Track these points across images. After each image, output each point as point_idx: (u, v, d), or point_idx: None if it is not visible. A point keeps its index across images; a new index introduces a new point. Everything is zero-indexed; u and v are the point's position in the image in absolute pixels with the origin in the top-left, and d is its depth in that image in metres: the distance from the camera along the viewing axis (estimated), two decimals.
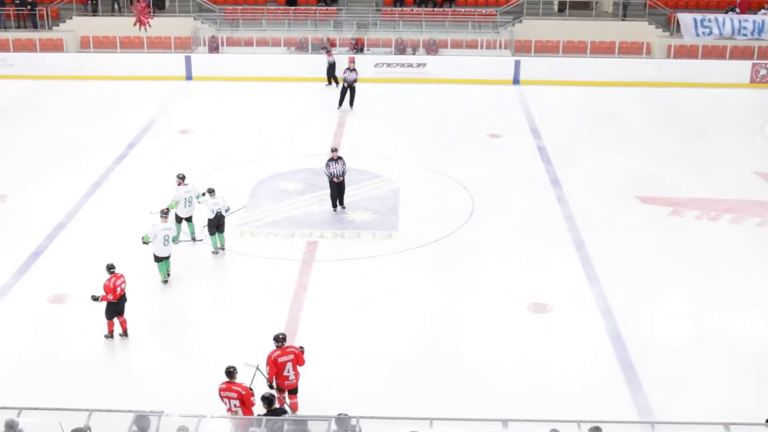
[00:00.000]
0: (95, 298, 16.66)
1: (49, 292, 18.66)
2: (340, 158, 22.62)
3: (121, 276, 16.78)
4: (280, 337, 14.62)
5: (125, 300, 16.89)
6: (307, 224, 22.15)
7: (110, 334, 16.95)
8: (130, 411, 12.07)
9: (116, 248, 20.42)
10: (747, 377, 15.92)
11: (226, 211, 20.55)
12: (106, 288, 16.55)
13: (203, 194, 20.79)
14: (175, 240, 19.17)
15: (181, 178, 21.01)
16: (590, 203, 23.46)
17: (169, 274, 19.30)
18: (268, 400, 13.13)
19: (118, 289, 16.63)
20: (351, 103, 31.70)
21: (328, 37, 37.93)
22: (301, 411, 14.63)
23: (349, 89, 31.65)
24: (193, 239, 21.17)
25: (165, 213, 19.24)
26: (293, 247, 20.96)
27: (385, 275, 19.69)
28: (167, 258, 19.09)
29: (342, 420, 11.93)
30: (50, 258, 20.47)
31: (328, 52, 35.76)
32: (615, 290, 18.83)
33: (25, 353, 16.67)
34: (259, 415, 13.23)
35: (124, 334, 17.03)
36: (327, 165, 22.69)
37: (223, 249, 20.71)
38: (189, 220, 21.12)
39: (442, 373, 16.00)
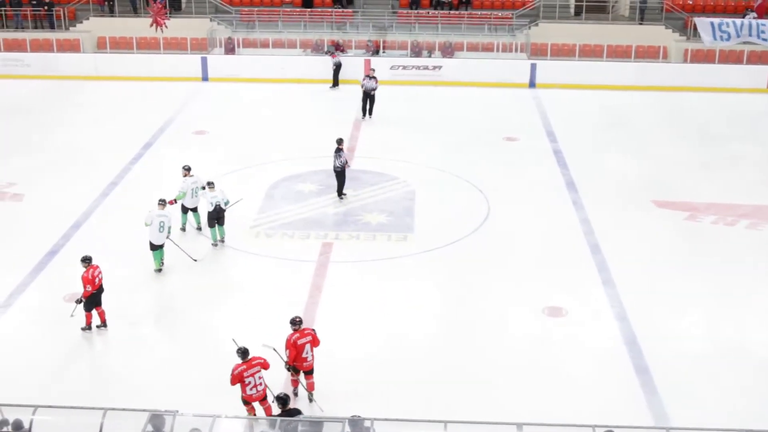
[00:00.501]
0: (80, 301, 16.88)
1: (64, 291, 18.69)
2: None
3: (98, 267, 17.06)
4: (297, 320, 14.95)
5: (103, 290, 17.16)
6: (323, 226, 22.16)
7: (88, 327, 17.19)
8: (144, 410, 12.10)
9: (131, 248, 20.51)
10: (763, 383, 15.82)
11: (226, 204, 20.79)
12: (85, 280, 16.81)
13: (203, 187, 21.06)
14: (169, 231, 19.72)
15: (187, 170, 21.46)
16: (606, 207, 23.39)
17: (162, 263, 19.76)
18: (282, 400, 13.14)
19: (97, 279, 16.94)
20: (370, 111, 30.97)
21: (337, 39, 37.95)
22: (315, 412, 14.63)
23: (368, 97, 30.97)
24: (199, 229, 21.60)
25: (162, 201, 19.74)
26: (309, 248, 20.97)
27: (400, 277, 19.67)
28: (162, 247, 19.57)
29: (355, 422, 11.93)
30: (66, 257, 20.52)
31: (332, 54, 35.76)
32: (630, 294, 18.75)
33: (40, 351, 16.71)
34: (273, 415, 13.24)
35: (103, 324, 17.28)
36: (338, 155, 23.30)
37: (222, 241, 21.05)
38: (195, 210, 21.54)
39: (456, 376, 15.96)
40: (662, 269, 20.05)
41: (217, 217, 20.71)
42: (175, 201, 20.88)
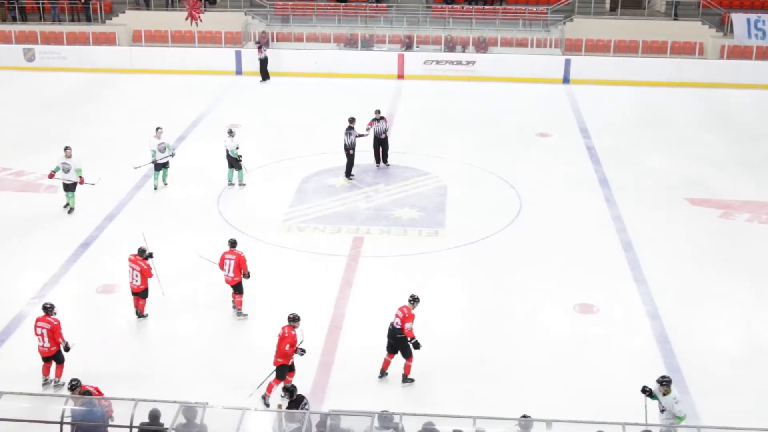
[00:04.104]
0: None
1: (97, 283, 18.88)
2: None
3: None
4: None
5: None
6: (354, 220, 22.19)
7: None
8: (176, 402, 12.18)
9: (164, 240, 20.64)
10: None
11: (232, 153, 23.77)
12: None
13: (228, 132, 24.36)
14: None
15: (66, 149, 22.59)
16: (639, 204, 23.23)
17: (166, 183, 24.16)
18: (289, 391, 13.35)
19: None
20: (384, 157, 25.92)
21: (262, 32, 38.19)
22: (345, 407, 14.63)
23: (380, 143, 25.76)
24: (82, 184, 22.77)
25: (159, 128, 23.97)
26: (340, 242, 21.00)
27: (431, 273, 19.63)
28: (163, 167, 23.90)
29: (385, 417, 11.95)
30: (99, 249, 20.71)
31: (260, 48, 35.78)
32: (662, 293, 18.63)
33: (73, 342, 16.85)
34: (287, 409, 13.28)
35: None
36: (348, 133, 24.33)
37: (242, 185, 24.17)
38: (70, 189, 22.51)
39: (486, 372, 15.94)
40: (695, 267, 19.92)
41: (229, 162, 23.92)
42: (54, 175, 22.40)
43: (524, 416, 12.60)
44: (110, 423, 12.60)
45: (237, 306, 17.76)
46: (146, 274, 17.28)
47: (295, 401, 13.28)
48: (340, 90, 34.48)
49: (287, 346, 14.69)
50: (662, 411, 13.50)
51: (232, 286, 17.66)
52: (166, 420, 12.04)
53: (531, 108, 32.38)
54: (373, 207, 22.98)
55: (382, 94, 33.19)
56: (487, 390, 15.40)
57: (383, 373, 15.76)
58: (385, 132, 25.59)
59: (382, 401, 13.82)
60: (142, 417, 12.18)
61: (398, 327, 15.39)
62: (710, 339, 17.07)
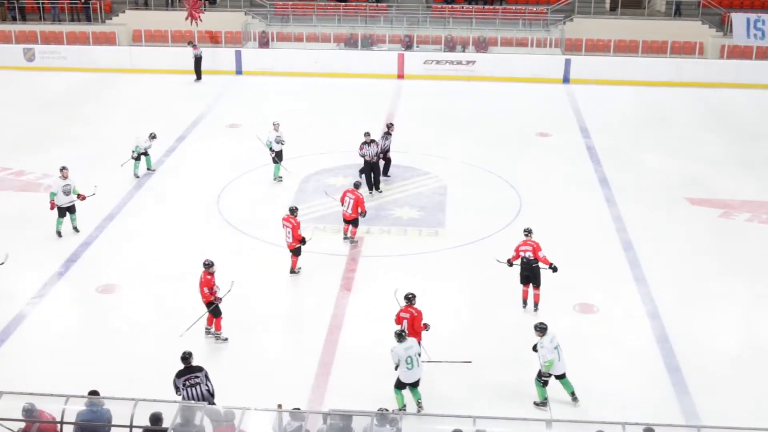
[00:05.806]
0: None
1: (97, 282, 18.87)
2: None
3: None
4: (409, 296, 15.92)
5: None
6: (354, 220, 22.14)
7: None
8: (175, 401, 12.17)
9: (165, 240, 20.64)
10: None
11: (267, 144, 24.33)
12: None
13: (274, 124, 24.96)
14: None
15: (62, 169, 21.22)
16: (639, 204, 23.23)
17: (154, 170, 25.17)
18: (185, 358, 13.76)
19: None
20: (377, 184, 24.22)
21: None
22: (343, 406, 14.63)
23: (371, 168, 24.05)
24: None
25: (153, 136, 24.86)
26: (340, 242, 20.98)
27: (431, 272, 19.62)
28: (143, 155, 24.88)
29: (383, 415, 11.95)
30: (99, 249, 20.70)
31: (194, 46, 35.87)
32: (663, 292, 18.62)
33: (72, 342, 16.88)
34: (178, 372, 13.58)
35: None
36: (361, 146, 23.72)
37: (278, 180, 24.60)
38: (72, 210, 21.21)
39: (485, 372, 15.91)
40: (695, 267, 19.91)
41: (274, 155, 24.48)
42: (53, 201, 20.91)
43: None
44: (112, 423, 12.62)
45: (351, 235, 20.80)
46: (296, 230, 18.88)
47: (189, 369, 13.61)
48: (340, 90, 34.50)
49: (422, 323, 15.51)
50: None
51: (349, 221, 20.52)
52: (165, 421, 12.02)
53: (531, 108, 32.38)
54: (373, 206, 22.95)
55: (382, 94, 33.16)
56: (487, 390, 15.38)
57: (525, 303, 17.90)
58: (376, 155, 23.90)
59: (382, 401, 13.81)
60: (142, 417, 12.16)
61: (532, 258, 17.38)
62: (710, 339, 17.07)
